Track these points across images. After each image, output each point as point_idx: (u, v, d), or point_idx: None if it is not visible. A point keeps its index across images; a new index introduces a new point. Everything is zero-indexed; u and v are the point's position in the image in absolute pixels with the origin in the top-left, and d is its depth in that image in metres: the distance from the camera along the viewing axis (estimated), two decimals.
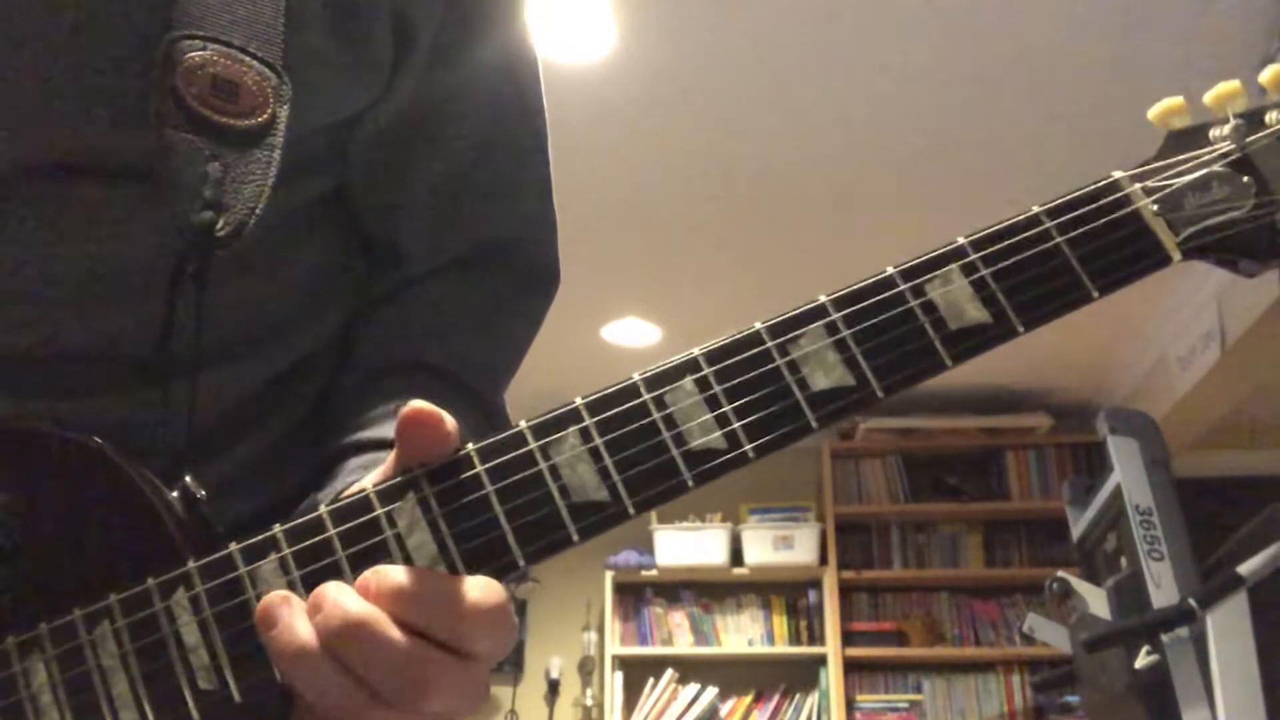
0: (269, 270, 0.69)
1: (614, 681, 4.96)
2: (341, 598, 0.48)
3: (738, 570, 4.99)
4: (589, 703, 4.99)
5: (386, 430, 0.66)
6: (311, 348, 0.73)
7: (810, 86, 3.02)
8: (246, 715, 0.51)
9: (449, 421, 0.51)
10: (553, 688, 4.97)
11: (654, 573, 4.98)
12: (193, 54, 0.60)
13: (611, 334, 4.50)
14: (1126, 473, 2.67)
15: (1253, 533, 2.38)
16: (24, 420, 0.55)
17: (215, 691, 0.50)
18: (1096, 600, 2.77)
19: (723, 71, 2.96)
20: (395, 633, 0.48)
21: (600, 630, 5.07)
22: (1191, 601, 2.33)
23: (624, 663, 5.01)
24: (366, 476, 0.55)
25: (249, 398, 0.69)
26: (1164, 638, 2.41)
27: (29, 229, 0.61)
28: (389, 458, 0.53)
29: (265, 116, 0.61)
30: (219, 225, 0.59)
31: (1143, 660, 2.50)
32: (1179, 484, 2.69)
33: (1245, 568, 2.26)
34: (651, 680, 4.99)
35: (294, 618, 0.48)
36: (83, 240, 0.61)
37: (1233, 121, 0.59)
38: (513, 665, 5.02)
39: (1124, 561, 2.75)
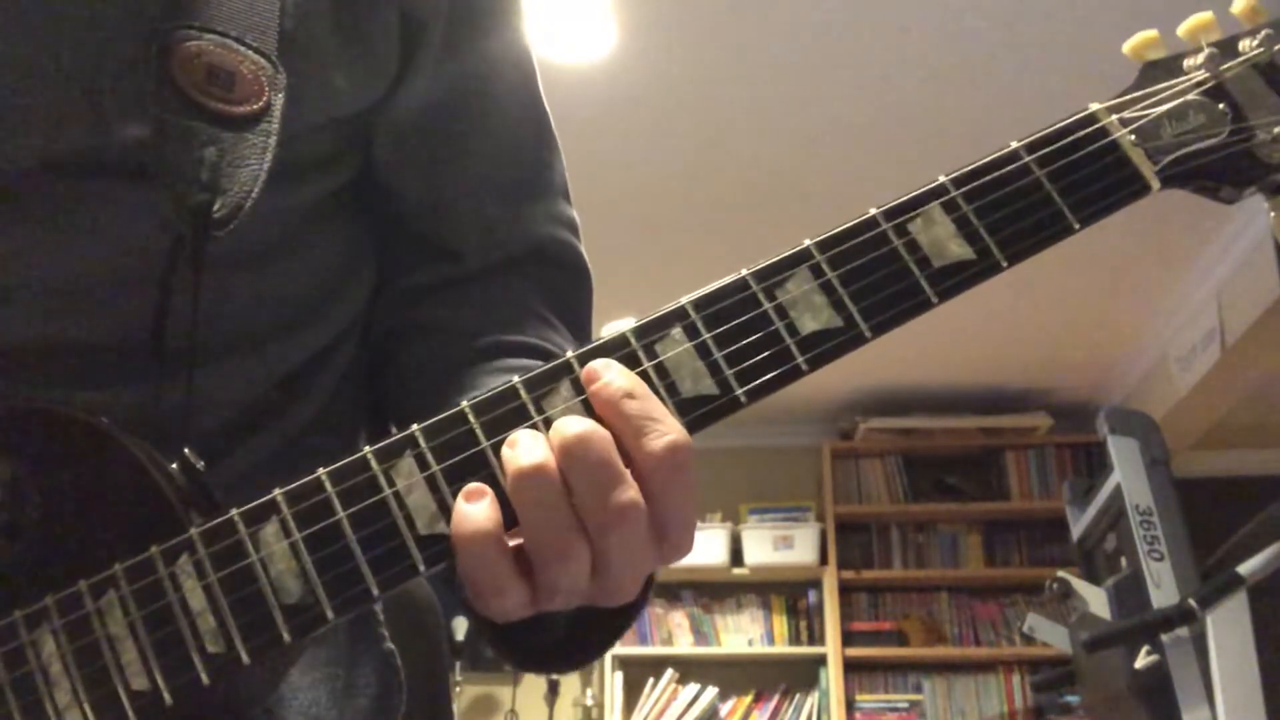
0: (281, 262, 0.70)
1: (614, 681, 4.97)
2: (573, 418, 0.52)
3: (738, 570, 4.98)
4: (589, 702, 4.99)
5: None
6: (327, 338, 0.74)
7: (810, 87, 3.02)
8: (253, 675, 0.52)
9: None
10: (553, 688, 4.96)
11: None
12: (189, 43, 0.61)
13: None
14: (1126, 473, 2.67)
15: (1253, 533, 2.38)
16: (24, 400, 0.56)
17: (222, 654, 0.51)
18: (1096, 600, 2.77)
19: (723, 72, 2.96)
20: (615, 454, 0.51)
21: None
22: (1191, 601, 2.32)
23: (624, 662, 5.01)
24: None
25: (268, 389, 0.70)
26: (1164, 638, 2.41)
27: (36, 224, 0.61)
28: None
29: (261, 104, 0.62)
30: (216, 207, 0.60)
31: (1143, 660, 2.50)
32: (1179, 484, 2.69)
33: (1245, 568, 2.26)
34: (651, 680, 4.99)
35: (535, 439, 0.52)
36: (89, 232, 0.62)
37: (1206, 50, 0.60)
38: None
39: (1124, 561, 2.75)
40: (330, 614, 0.51)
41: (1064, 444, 5.04)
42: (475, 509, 0.51)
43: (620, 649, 4.99)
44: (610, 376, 0.53)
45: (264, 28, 0.63)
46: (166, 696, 0.51)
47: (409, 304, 0.78)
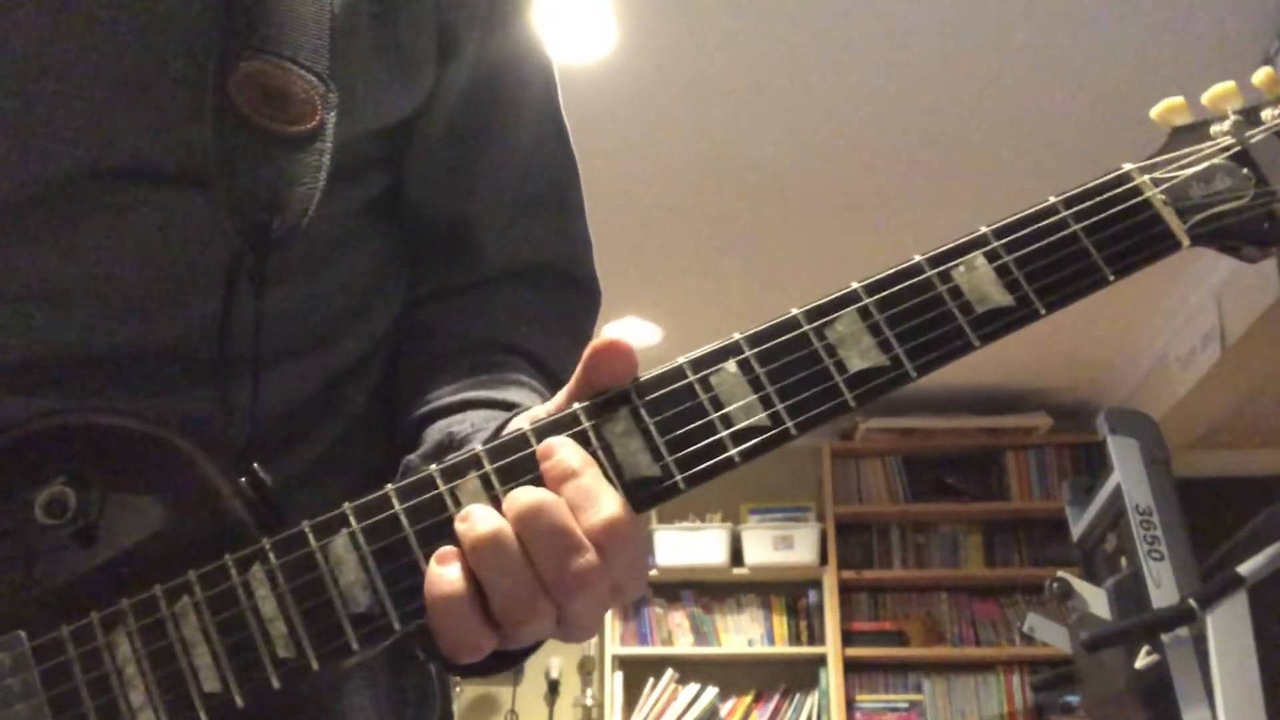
0: (321, 272, 0.72)
1: (614, 681, 4.97)
2: (526, 489, 0.54)
3: (738, 570, 4.99)
4: (589, 703, 4.99)
5: (505, 393, 0.71)
6: (363, 349, 0.75)
7: (811, 86, 3.02)
8: (320, 681, 0.54)
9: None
10: (553, 688, 4.97)
11: (654, 573, 4.98)
12: (245, 64, 0.63)
13: (612, 334, 4.50)
14: (1126, 473, 2.67)
15: (1253, 533, 2.38)
16: (100, 413, 0.58)
17: (293, 659, 0.53)
18: (1096, 600, 2.77)
19: (723, 71, 2.96)
20: (573, 521, 0.53)
21: (600, 630, 5.07)
22: (1191, 601, 2.32)
23: (624, 663, 5.01)
24: (520, 417, 0.59)
25: (309, 397, 0.71)
26: (1164, 638, 2.41)
27: (94, 232, 0.63)
28: (562, 393, 0.58)
29: (314, 123, 0.64)
30: (274, 225, 0.62)
31: (1143, 660, 2.50)
32: (1179, 484, 2.69)
33: (1245, 568, 2.26)
34: (651, 680, 4.99)
35: (487, 510, 0.54)
36: (145, 243, 0.64)
37: (1232, 118, 0.64)
38: None
39: (1124, 561, 2.75)
40: (397, 625, 0.54)
41: (1064, 444, 5.04)
42: (447, 571, 0.53)
43: (620, 649, 5.00)
44: (561, 455, 0.55)
45: (316, 47, 0.65)
46: (238, 699, 0.53)
47: (417, 307, 0.80)
